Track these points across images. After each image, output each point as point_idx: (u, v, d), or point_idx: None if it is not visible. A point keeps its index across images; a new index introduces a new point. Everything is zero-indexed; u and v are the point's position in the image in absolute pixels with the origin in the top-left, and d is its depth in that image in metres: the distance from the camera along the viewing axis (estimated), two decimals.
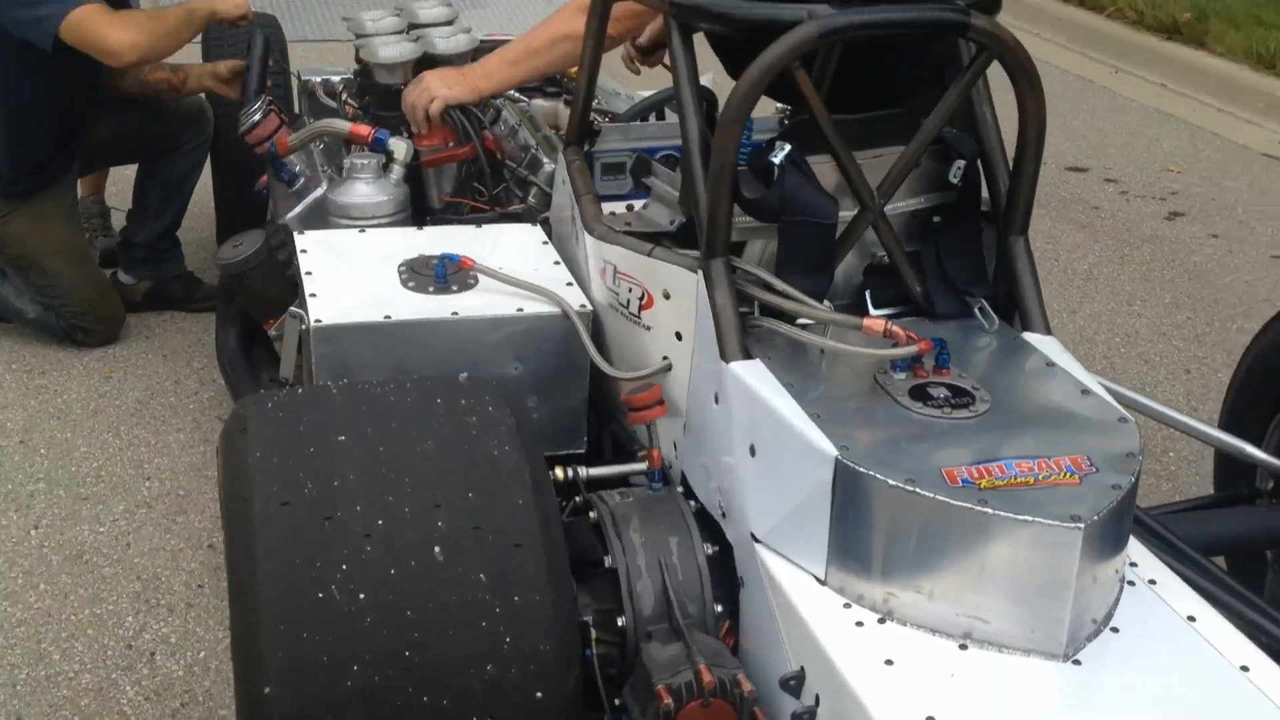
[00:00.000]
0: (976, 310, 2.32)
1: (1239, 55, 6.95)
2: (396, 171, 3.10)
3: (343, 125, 3.20)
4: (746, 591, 2.16)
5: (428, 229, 2.98)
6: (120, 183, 4.57)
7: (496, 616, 1.85)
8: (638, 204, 2.77)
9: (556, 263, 2.79)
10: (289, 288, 3.25)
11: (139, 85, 4.04)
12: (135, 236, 4.22)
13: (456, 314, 2.55)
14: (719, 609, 2.17)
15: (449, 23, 3.56)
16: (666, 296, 2.36)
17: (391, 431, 2.04)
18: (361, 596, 1.83)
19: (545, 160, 3.33)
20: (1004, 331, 2.30)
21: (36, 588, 3.01)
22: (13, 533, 3.17)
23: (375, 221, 3.02)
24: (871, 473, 1.87)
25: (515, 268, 2.68)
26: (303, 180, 3.33)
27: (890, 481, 1.86)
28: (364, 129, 3.15)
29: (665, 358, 2.39)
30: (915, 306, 2.37)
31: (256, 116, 3.44)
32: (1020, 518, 1.81)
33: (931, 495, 1.83)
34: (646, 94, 3.60)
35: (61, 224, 4.01)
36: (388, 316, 2.53)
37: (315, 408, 2.09)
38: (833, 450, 1.91)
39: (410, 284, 2.66)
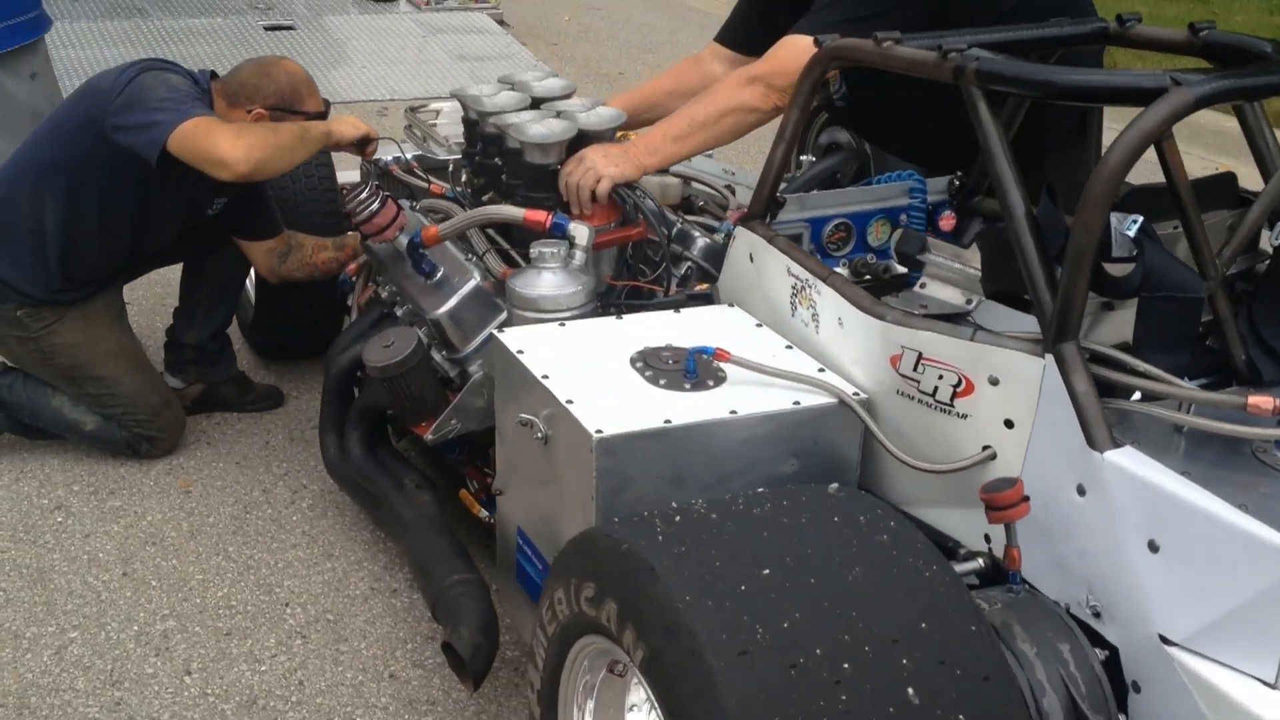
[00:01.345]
0: None
1: None
2: (579, 258, 2.89)
3: (513, 211, 2.97)
4: (1146, 698, 2.03)
5: (628, 318, 2.78)
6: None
7: None
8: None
9: (789, 347, 2.63)
10: (440, 389, 3.03)
11: (306, 269, 3.78)
12: (184, 337, 3.89)
13: (735, 412, 2.37)
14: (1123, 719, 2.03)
15: (567, 96, 3.36)
16: (994, 383, 2.22)
17: (811, 559, 1.85)
18: None
19: (697, 235, 3.16)
20: None
21: None
22: (165, 682, 2.85)
23: (570, 313, 2.80)
24: None
25: (749, 356, 2.50)
26: (441, 271, 3.09)
27: None
28: (540, 215, 2.93)
29: (986, 447, 2.25)
30: (1236, 375, 2.28)
31: (374, 205, 3.20)
32: None
33: None
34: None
35: (114, 327, 3.67)
36: (668, 421, 2.32)
37: (712, 537, 1.89)
38: None
39: (661, 381, 2.47)
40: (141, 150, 3.22)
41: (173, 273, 4.00)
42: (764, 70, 3.01)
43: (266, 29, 8.97)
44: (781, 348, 2.63)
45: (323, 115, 3.52)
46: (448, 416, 3.02)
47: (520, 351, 2.59)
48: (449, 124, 4.36)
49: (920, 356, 2.32)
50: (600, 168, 2.97)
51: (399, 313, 3.31)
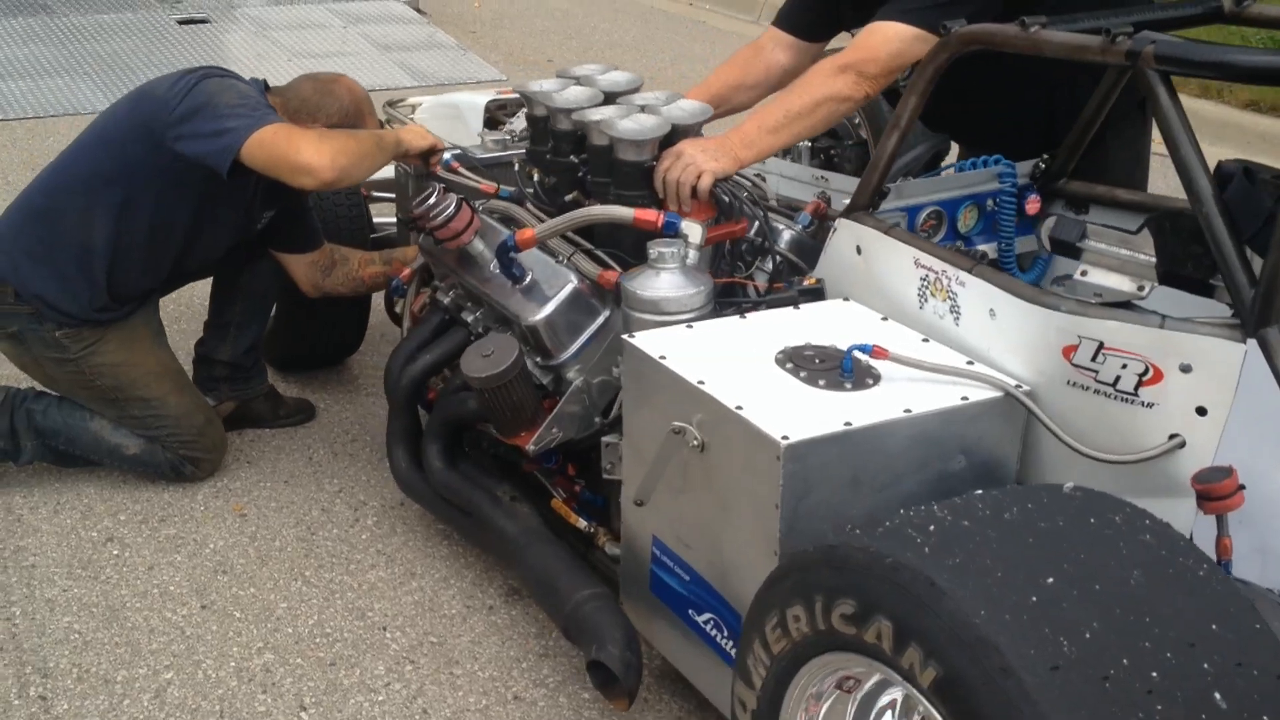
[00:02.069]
0: None
1: None
2: (693, 257, 2.81)
3: (621, 211, 2.87)
4: None
5: (751, 317, 2.71)
6: None
7: None
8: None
9: (925, 340, 2.58)
10: (538, 397, 2.94)
11: (351, 284, 3.64)
12: (217, 354, 3.71)
13: (909, 411, 2.31)
14: None
15: (635, 89, 3.26)
16: (1185, 370, 2.20)
17: (1088, 565, 1.81)
18: None
19: (782, 227, 3.10)
20: None
21: None
22: None
23: (693, 314, 2.72)
24: None
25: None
26: (531, 275, 2.98)
27: None
28: (650, 214, 2.84)
29: (1174, 435, 2.23)
30: None
31: (450, 209, 3.08)
32: None
33: None
34: None
35: (155, 345, 3.50)
36: (848, 424, 2.26)
37: (979, 546, 1.83)
38: None
39: (820, 381, 2.41)
40: (211, 158, 3.06)
41: (190, 288, 3.82)
42: (855, 58, 2.96)
43: (180, 23, 8.68)
44: (917, 341, 2.59)
45: None
46: (549, 425, 2.92)
47: (663, 357, 2.50)
48: (429, 118, 4.24)
49: (1101, 346, 2.29)
50: (700, 163, 2.89)
51: (469, 318, 3.20)
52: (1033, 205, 3.13)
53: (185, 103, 3.13)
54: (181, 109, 3.12)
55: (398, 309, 3.57)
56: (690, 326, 2.67)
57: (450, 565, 3.21)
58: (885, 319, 2.70)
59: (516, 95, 4.38)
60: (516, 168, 3.44)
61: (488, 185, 3.41)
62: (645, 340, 2.58)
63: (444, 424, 3.16)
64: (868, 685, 2.04)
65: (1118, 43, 2.28)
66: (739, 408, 2.31)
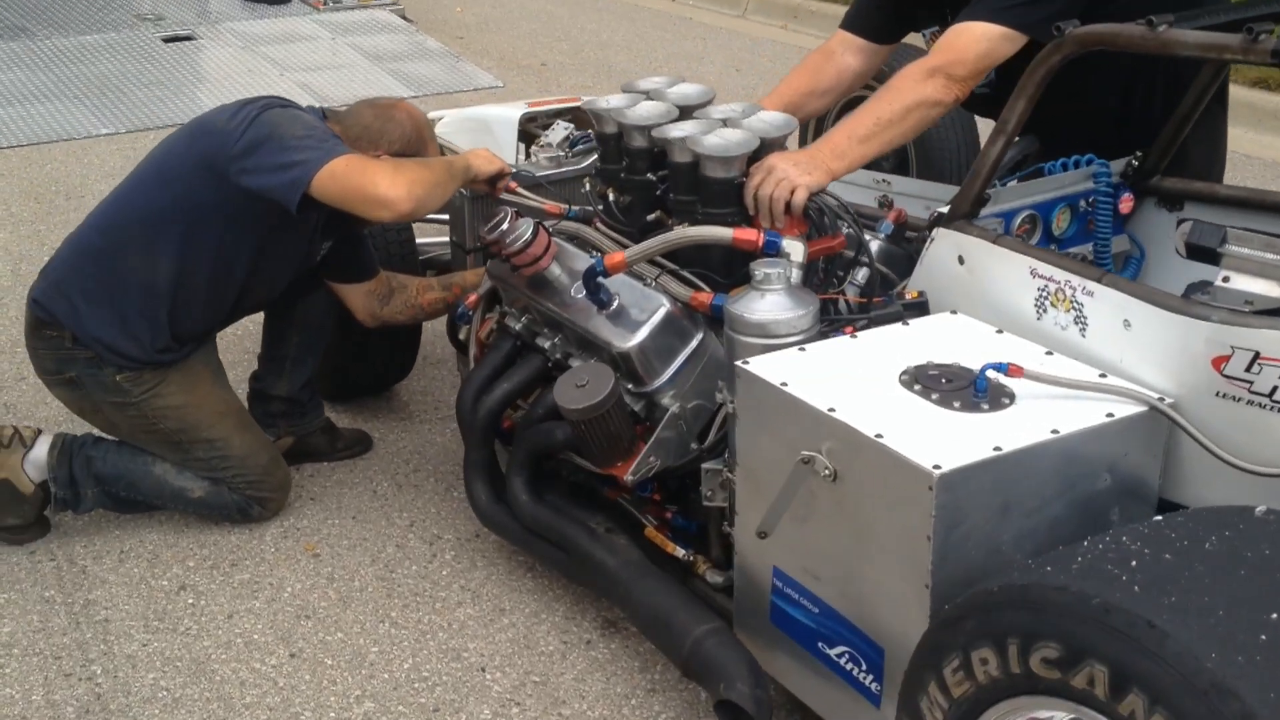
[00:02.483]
0: None
1: None
2: (796, 276, 2.72)
3: (719, 232, 2.78)
4: None
5: (861, 335, 2.62)
6: None
7: None
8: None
9: (1049, 353, 2.50)
10: (632, 425, 2.84)
11: (409, 311, 3.54)
12: (274, 389, 3.59)
13: (1057, 432, 2.23)
14: None
15: (707, 102, 3.17)
16: None
17: None
18: None
19: (869, 238, 3.02)
20: None
21: None
22: None
23: (801, 336, 2.62)
24: None
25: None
26: (617, 299, 2.89)
27: None
28: (750, 234, 2.75)
29: None
30: None
31: (527, 234, 2.98)
32: None
33: None
34: None
35: (215, 385, 3.38)
36: (998, 449, 2.18)
37: (1189, 582, 1.76)
38: None
39: (955, 404, 2.32)
40: (279, 192, 2.95)
41: (241, 322, 3.70)
42: (943, 61, 2.88)
43: (165, 40, 8.52)
44: (1041, 355, 2.50)
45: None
46: (646, 454, 2.83)
47: (785, 384, 2.41)
48: (453, 132, 4.13)
49: (1258, 356, 2.21)
50: (794, 177, 2.80)
51: (545, 344, 3.10)
52: (1126, 204, 3.07)
53: (248, 135, 3.01)
54: (244, 142, 3.01)
55: (461, 336, 3.46)
56: (803, 349, 2.58)
57: (539, 599, 3.11)
58: (1000, 332, 2.61)
59: (549, 108, 4.32)
60: (586, 187, 3.34)
61: (554, 206, 3.31)
62: (762, 366, 2.49)
63: (529, 455, 3.06)
64: None
65: (1260, 40, 2.20)
66: (878, 436, 2.22)
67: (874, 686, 2.37)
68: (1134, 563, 1.82)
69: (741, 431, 2.56)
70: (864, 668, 2.39)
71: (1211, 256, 2.49)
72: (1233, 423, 2.28)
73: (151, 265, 3.13)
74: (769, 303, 2.64)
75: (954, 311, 2.73)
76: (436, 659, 2.92)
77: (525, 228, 2.99)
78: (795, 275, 2.73)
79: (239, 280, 3.22)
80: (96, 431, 3.38)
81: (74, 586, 3.18)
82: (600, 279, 2.87)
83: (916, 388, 2.39)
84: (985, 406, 2.32)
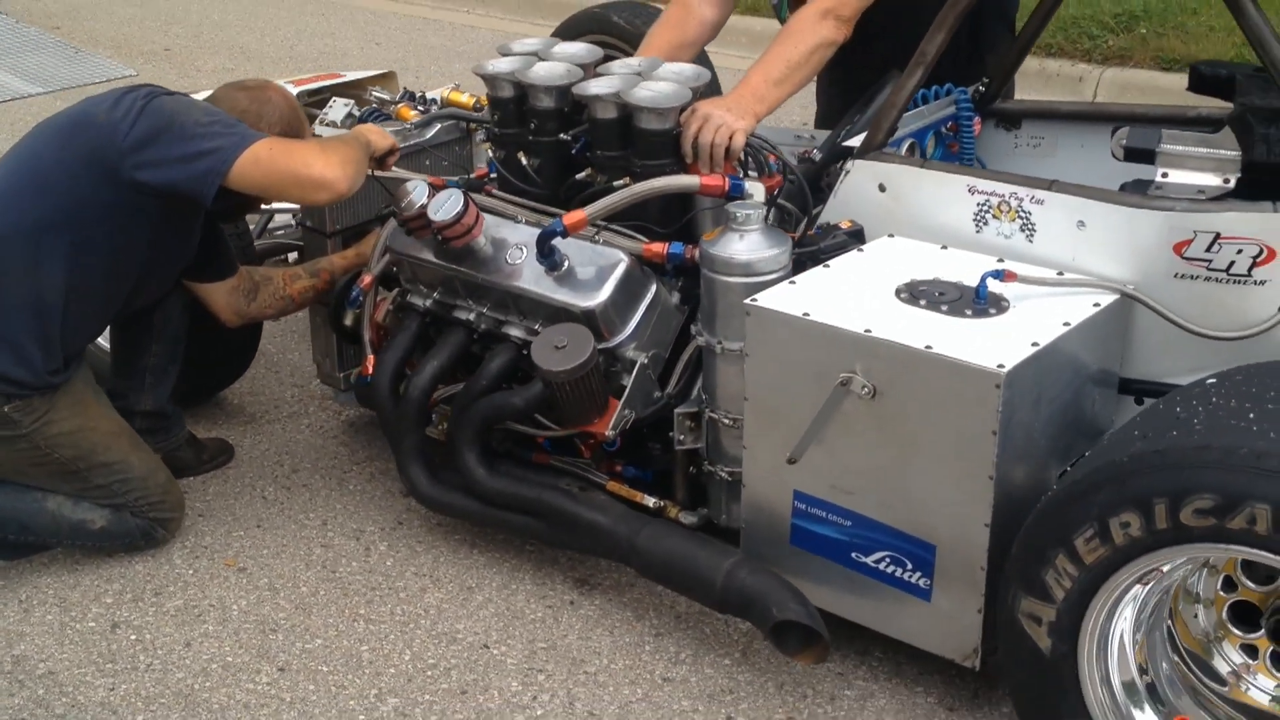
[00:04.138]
0: None
1: None
2: (771, 216, 2.85)
3: (685, 180, 2.85)
4: None
5: (832, 263, 2.79)
6: None
7: None
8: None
9: (1001, 261, 2.76)
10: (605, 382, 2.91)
11: (279, 304, 3.33)
12: (138, 405, 3.32)
13: (1069, 324, 2.50)
14: None
15: (599, 59, 3.21)
16: None
17: None
18: None
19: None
20: None
21: None
22: None
23: (782, 272, 2.76)
24: None
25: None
26: (568, 260, 2.91)
27: None
28: (715, 180, 2.83)
29: None
30: None
31: (459, 206, 2.95)
32: None
33: None
34: None
35: (99, 404, 3.13)
36: (1035, 344, 2.42)
37: None
38: None
39: (966, 312, 2.55)
40: (189, 184, 2.76)
41: None
42: (832, 3, 3.07)
43: None
44: (993, 263, 2.75)
45: None
46: (622, 407, 2.89)
47: (806, 314, 2.55)
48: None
49: (1218, 236, 2.54)
50: (730, 122, 2.92)
51: (466, 316, 3.08)
52: (975, 127, 3.38)
53: (141, 126, 2.80)
54: (138, 134, 2.80)
55: (348, 321, 3.35)
56: (793, 282, 2.72)
57: (501, 572, 3.10)
58: (945, 247, 2.85)
59: (314, 85, 4.21)
60: (490, 153, 3.31)
61: (435, 179, 3.26)
62: (774, 300, 2.62)
63: (479, 429, 3.03)
64: (1169, 573, 2.23)
65: None
66: (928, 347, 2.41)
67: (923, 583, 2.56)
68: (1251, 414, 2.10)
69: (751, 368, 2.67)
70: (909, 568, 2.57)
71: (1149, 157, 2.82)
72: (1189, 299, 2.62)
73: (38, 280, 2.86)
74: (750, 242, 2.76)
75: (891, 235, 2.94)
76: (434, 645, 2.86)
77: (455, 199, 2.96)
78: (771, 215, 2.86)
79: (130, 283, 2.99)
80: None
81: None
82: (555, 240, 2.88)
83: (921, 303, 2.59)
84: (992, 311, 2.55)
